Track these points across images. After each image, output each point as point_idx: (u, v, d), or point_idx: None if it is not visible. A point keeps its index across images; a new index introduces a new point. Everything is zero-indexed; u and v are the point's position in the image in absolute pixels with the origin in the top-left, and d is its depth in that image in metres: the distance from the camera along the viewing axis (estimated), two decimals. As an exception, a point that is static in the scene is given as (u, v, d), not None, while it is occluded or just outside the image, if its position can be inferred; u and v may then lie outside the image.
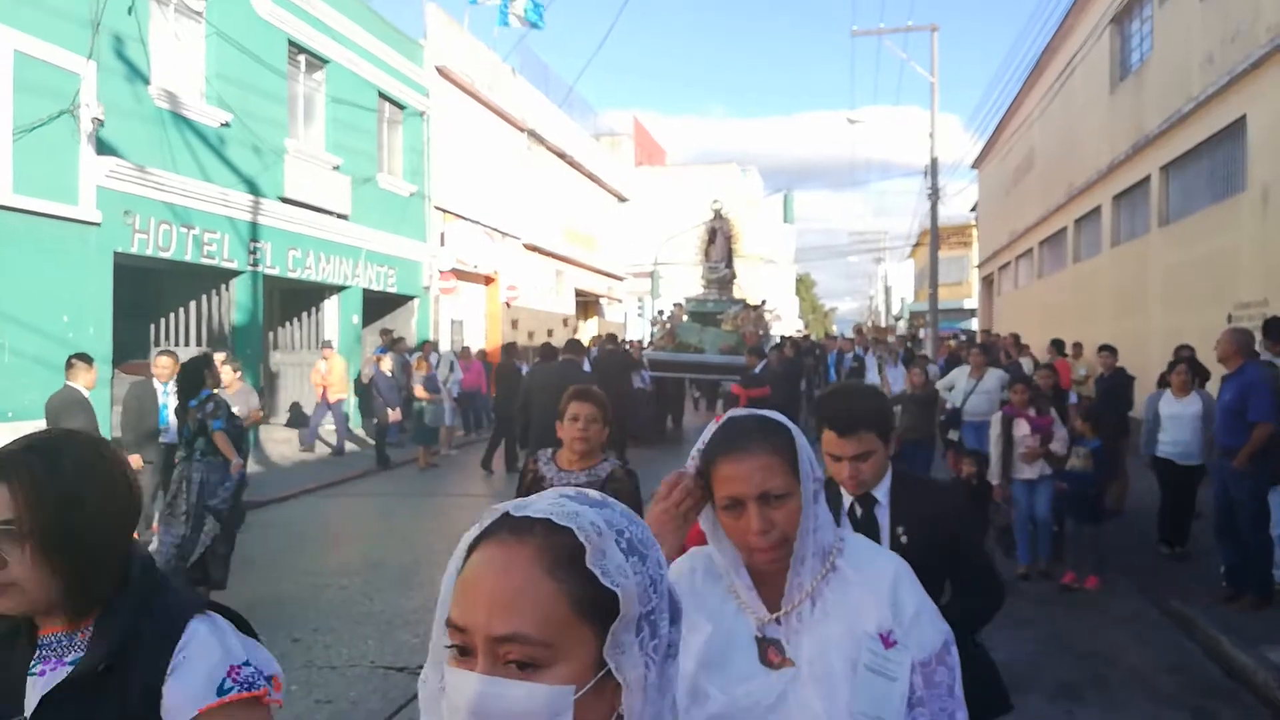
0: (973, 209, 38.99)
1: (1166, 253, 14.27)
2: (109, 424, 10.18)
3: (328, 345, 14.85)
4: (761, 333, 17.36)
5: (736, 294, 19.17)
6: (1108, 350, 10.84)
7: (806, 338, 26.79)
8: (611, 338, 17.35)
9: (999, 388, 9.41)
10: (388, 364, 13.56)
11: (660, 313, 20.78)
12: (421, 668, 0.92)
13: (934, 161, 23.93)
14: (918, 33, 24.43)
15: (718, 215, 19.08)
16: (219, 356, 8.72)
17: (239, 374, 9.46)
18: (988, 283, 33.71)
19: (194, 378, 6.45)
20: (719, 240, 18.91)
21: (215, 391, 6.55)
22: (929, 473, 9.02)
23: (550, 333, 24.32)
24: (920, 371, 9.67)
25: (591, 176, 30.01)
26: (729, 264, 19.09)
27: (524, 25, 18.56)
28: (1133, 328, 14.87)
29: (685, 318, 18.04)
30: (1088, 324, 17.08)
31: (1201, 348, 9.45)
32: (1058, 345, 13.30)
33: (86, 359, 7.48)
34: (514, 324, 23.24)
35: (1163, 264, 14.39)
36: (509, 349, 15.29)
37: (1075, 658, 5.60)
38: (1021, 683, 5.20)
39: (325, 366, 14.22)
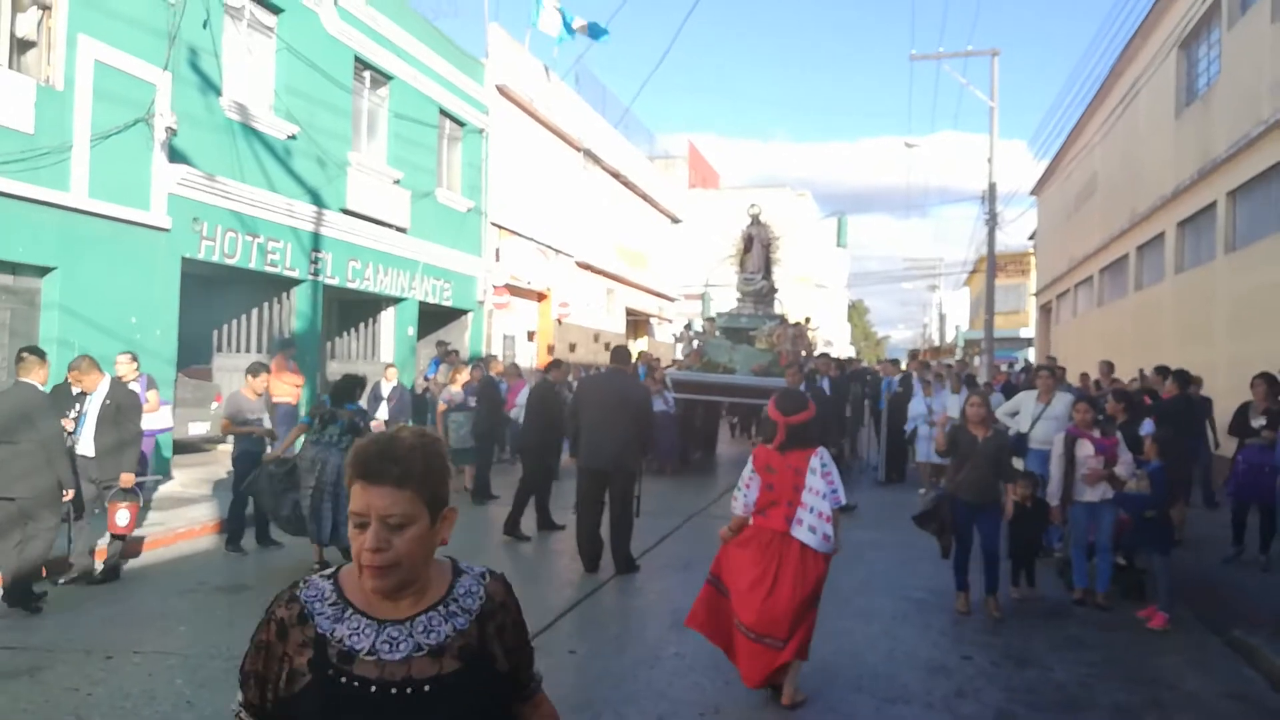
0: (1030, 237, 38.40)
1: (1233, 280, 13.91)
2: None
3: (290, 344, 13.25)
4: (804, 353, 15.65)
5: (777, 309, 17.05)
6: (1177, 376, 10.40)
7: (855, 361, 25.80)
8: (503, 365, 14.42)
9: (1068, 413, 8.26)
10: (387, 376, 13.27)
11: (687, 327, 18.82)
12: None
13: (992, 187, 23.63)
14: (978, 57, 24.22)
15: (755, 221, 17.09)
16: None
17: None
18: (1045, 311, 33.13)
19: (351, 389, 8.20)
20: (756, 249, 16.83)
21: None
22: (995, 549, 6.81)
23: (572, 348, 24.22)
24: (982, 403, 7.14)
25: (645, 197, 30.21)
26: (767, 275, 16.93)
27: (583, 34, 18.99)
28: (1197, 357, 14.47)
29: (718, 333, 16.16)
30: (1150, 353, 16.66)
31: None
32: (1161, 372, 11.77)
33: (39, 353, 6.76)
34: (520, 333, 23.34)
35: (1229, 291, 14.03)
36: (486, 362, 13.76)
37: (1132, 682, 5.43)
38: (1076, 704, 5.08)
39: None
